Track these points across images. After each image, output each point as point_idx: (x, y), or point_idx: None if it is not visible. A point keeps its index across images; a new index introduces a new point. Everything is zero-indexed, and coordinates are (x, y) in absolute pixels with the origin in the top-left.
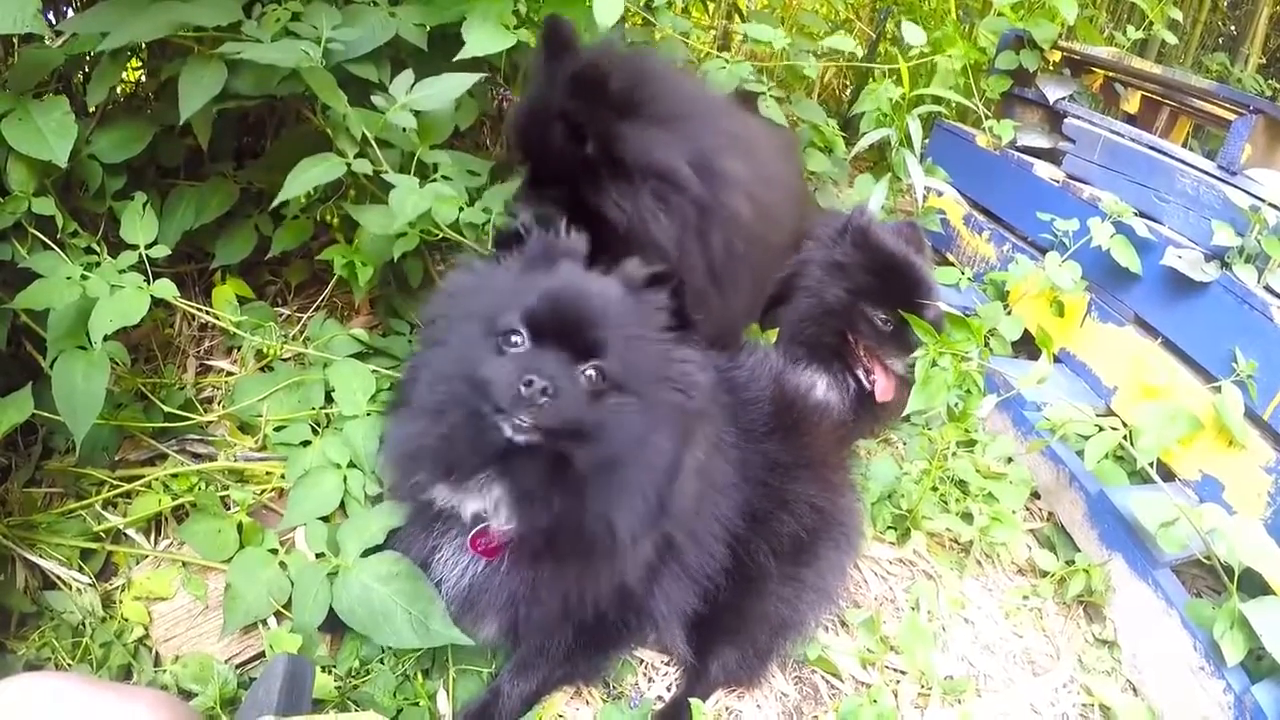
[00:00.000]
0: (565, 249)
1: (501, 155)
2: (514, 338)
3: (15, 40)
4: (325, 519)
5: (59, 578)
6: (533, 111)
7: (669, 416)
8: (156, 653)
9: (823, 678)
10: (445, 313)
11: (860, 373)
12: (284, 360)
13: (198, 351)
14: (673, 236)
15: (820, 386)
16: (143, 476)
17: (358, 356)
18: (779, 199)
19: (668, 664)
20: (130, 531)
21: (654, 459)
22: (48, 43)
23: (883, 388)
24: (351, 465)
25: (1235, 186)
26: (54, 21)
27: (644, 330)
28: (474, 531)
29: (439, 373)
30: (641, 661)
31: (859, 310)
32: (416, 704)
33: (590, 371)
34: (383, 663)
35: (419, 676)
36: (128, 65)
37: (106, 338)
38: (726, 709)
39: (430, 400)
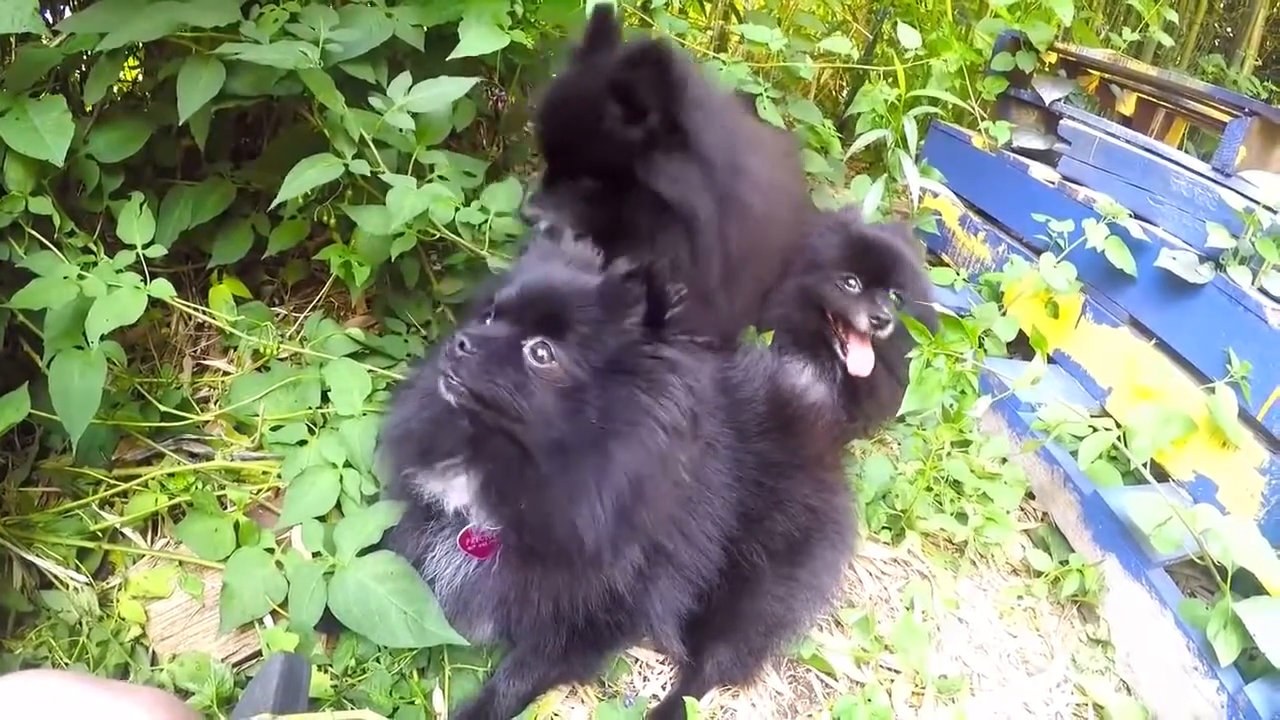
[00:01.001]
0: (562, 252)
1: (498, 155)
2: (486, 319)
3: (13, 39)
4: (322, 518)
5: (56, 577)
6: (576, 93)
7: (634, 423)
8: (153, 651)
9: (817, 676)
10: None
11: (837, 347)
12: (280, 360)
13: (194, 351)
14: (712, 219)
15: (807, 374)
16: (139, 476)
17: (354, 356)
18: (781, 205)
19: (663, 663)
20: (127, 531)
21: (610, 467)
22: (45, 42)
23: (856, 358)
24: (348, 465)
25: (1230, 188)
26: (51, 21)
27: (611, 319)
28: (462, 531)
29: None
30: (637, 660)
31: (828, 280)
32: (412, 703)
33: (539, 349)
34: (379, 662)
35: (415, 675)
36: (125, 64)
37: (103, 337)
38: (721, 708)
39: (426, 383)
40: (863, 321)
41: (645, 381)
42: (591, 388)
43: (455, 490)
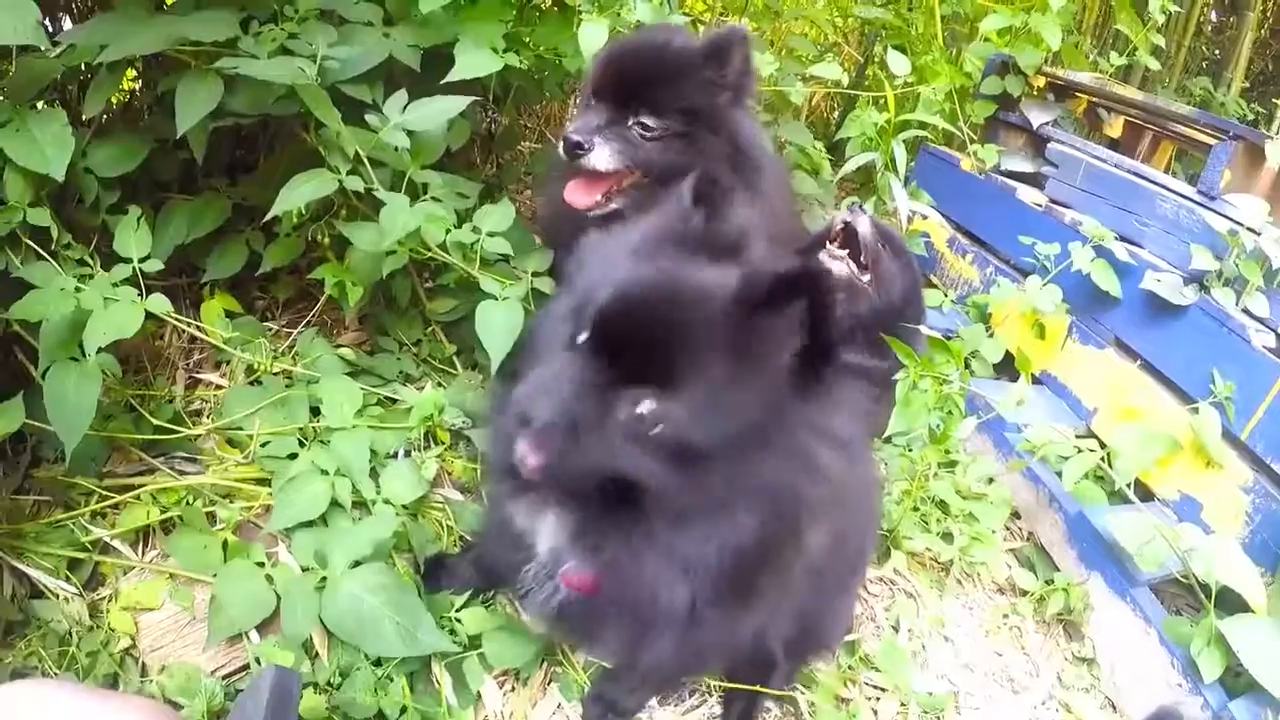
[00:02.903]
0: (673, 226)
1: (492, 174)
2: (578, 340)
3: (13, 50)
4: (311, 524)
5: (46, 586)
6: (673, 46)
7: (768, 492)
8: (143, 663)
9: (802, 694)
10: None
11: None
12: (274, 375)
13: (187, 364)
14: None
15: None
16: (131, 488)
17: (346, 375)
18: (780, 227)
19: None
20: (117, 543)
21: (733, 534)
22: (45, 53)
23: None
24: (339, 473)
25: (1214, 211)
26: (51, 31)
27: (752, 361)
28: (560, 570)
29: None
30: None
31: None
32: (405, 708)
33: (638, 406)
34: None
35: (403, 679)
36: (124, 77)
37: (99, 350)
38: None
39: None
40: (837, 222)
41: (797, 460)
42: (717, 458)
43: (545, 529)
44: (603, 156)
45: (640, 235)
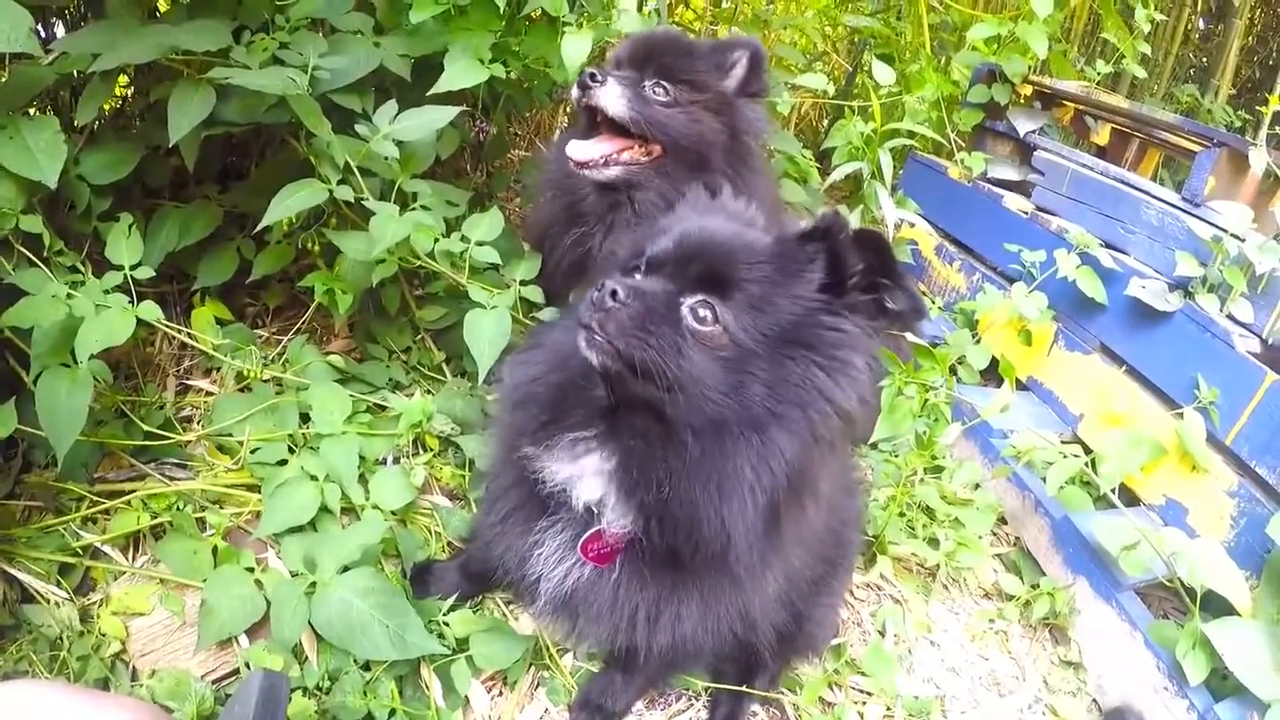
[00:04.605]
0: (721, 206)
1: (482, 183)
2: (635, 274)
3: (6, 57)
4: (300, 529)
5: (37, 591)
6: (688, 40)
7: (805, 406)
8: (133, 667)
9: (788, 697)
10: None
11: None
12: (264, 382)
13: (177, 370)
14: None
15: None
16: (122, 494)
17: (335, 383)
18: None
19: None
20: (107, 548)
21: (770, 455)
22: (38, 60)
23: None
24: (328, 479)
25: (1198, 218)
26: (45, 38)
27: (786, 281)
28: (587, 535)
29: (574, 318)
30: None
31: None
32: (393, 710)
33: (700, 308)
34: (350, 672)
35: (392, 684)
36: (116, 84)
37: (90, 356)
38: None
39: (557, 343)
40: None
41: (824, 358)
42: (759, 359)
43: (587, 476)
44: (612, 96)
45: (690, 206)
